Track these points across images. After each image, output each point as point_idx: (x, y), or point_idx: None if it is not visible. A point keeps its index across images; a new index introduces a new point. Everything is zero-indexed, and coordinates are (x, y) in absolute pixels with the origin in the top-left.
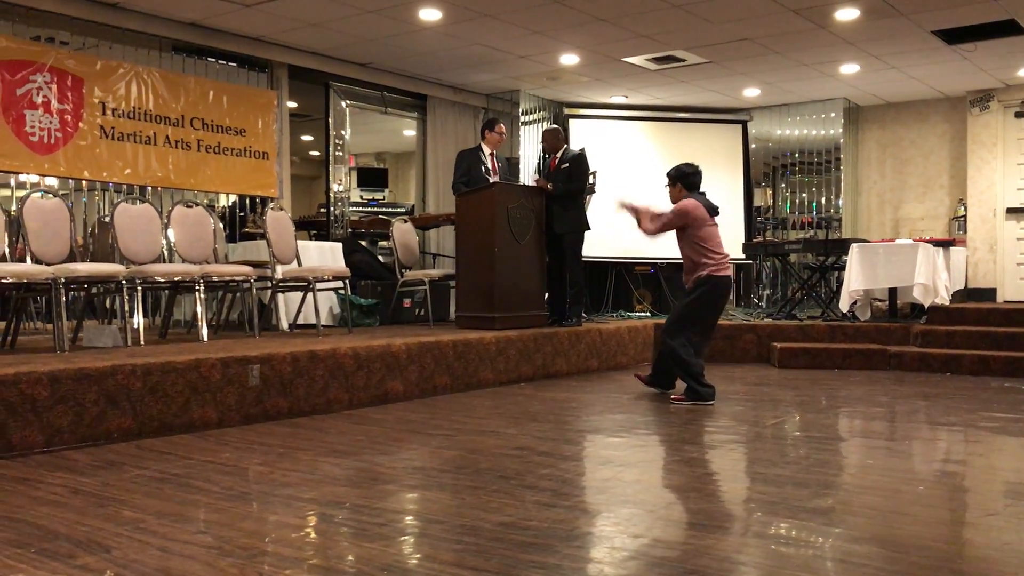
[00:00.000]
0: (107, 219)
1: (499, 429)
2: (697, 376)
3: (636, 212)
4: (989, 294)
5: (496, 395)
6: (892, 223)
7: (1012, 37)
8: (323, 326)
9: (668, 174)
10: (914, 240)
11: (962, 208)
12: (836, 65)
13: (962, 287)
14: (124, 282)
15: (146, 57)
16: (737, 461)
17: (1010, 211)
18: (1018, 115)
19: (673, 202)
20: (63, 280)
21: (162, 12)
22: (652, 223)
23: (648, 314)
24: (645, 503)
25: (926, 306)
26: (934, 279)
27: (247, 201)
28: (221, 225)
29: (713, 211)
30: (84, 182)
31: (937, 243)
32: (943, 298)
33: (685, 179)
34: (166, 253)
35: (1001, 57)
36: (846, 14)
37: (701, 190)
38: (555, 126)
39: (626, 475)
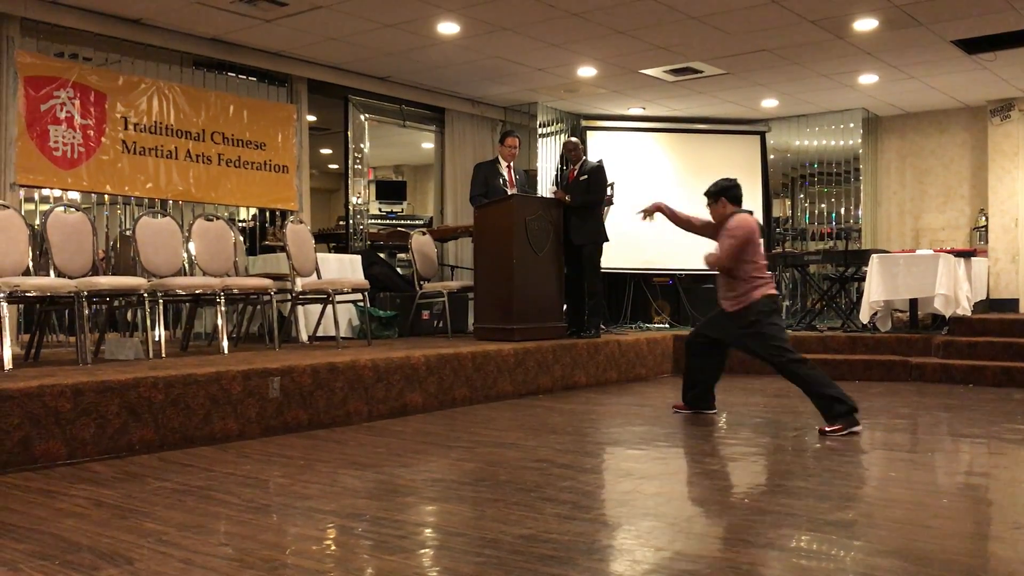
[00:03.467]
0: (129, 233)
1: (519, 441)
2: (834, 394)
3: (662, 209)
4: (1011, 304)
5: (515, 407)
6: (912, 233)
7: None
8: (343, 338)
9: (707, 192)
10: (935, 251)
11: (983, 218)
12: (854, 75)
13: (984, 298)
14: (146, 295)
15: (168, 72)
16: (758, 474)
17: None
18: None
19: (716, 220)
20: (86, 293)
21: (183, 28)
22: (721, 255)
23: (667, 325)
24: (666, 516)
25: (947, 317)
26: (955, 290)
27: (267, 214)
28: (241, 238)
29: (761, 230)
30: (106, 196)
31: (958, 253)
32: (964, 309)
33: (728, 192)
34: (187, 266)
35: (1022, 66)
36: (864, 24)
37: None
38: (574, 138)
39: (647, 487)
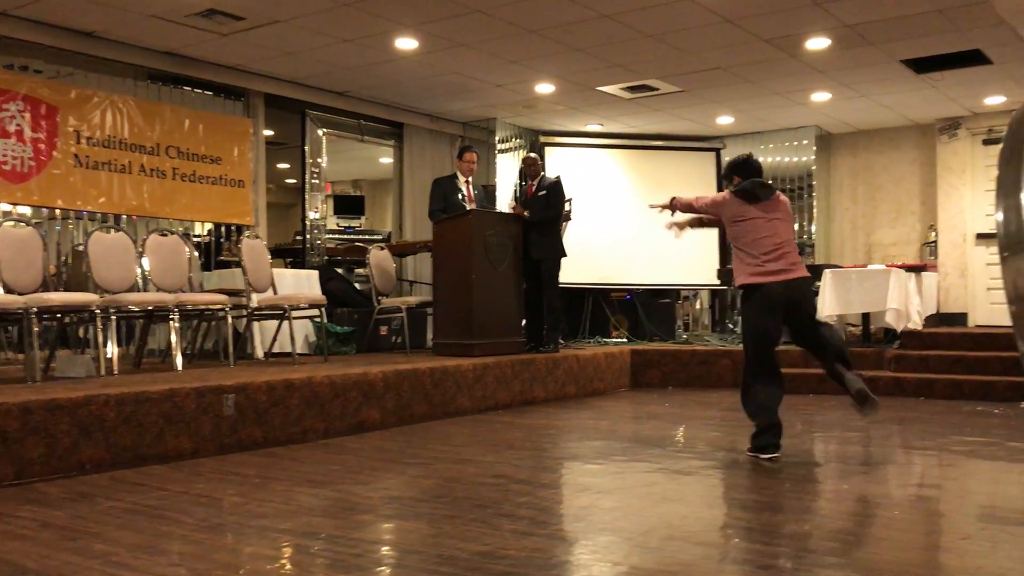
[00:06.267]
0: (81, 248)
1: (476, 457)
2: (755, 415)
3: (680, 207)
4: (960, 319)
5: (474, 423)
6: (864, 249)
7: (978, 67)
8: (299, 354)
9: (723, 174)
10: (886, 266)
11: (933, 234)
12: (807, 93)
13: (934, 312)
14: (98, 311)
15: (122, 85)
16: (714, 487)
17: (979, 237)
18: (986, 142)
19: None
20: (35, 309)
21: (138, 41)
22: (686, 202)
23: (625, 340)
24: (623, 530)
25: (899, 331)
26: (906, 304)
27: (223, 229)
28: (196, 253)
29: (755, 197)
30: (58, 211)
31: (909, 268)
32: (916, 323)
33: (737, 170)
34: (141, 282)
35: (968, 86)
36: (817, 43)
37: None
38: (533, 154)
39: (604, 502)
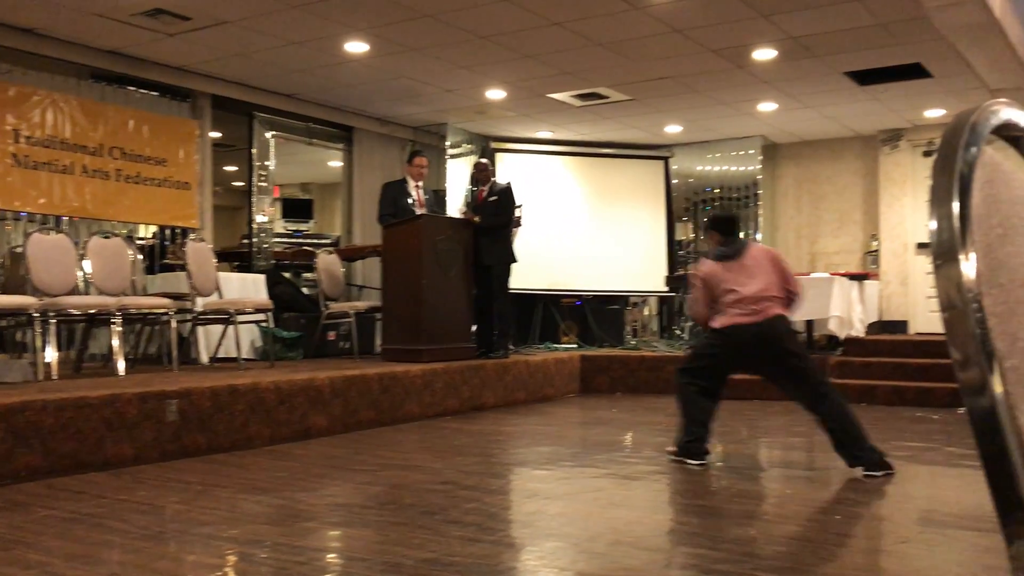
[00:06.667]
0: (19, 250)
1: (424, 464)
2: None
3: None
4: (901, 326)
5: (422, 429)
6: (809, 257)
7: (919, 80)
8: (244, 360)
9: (705, 223)
10: (830, 274)
11: (875, 243)
12: (754, 103)
13: (876, 319)
14: (36, 315)
15: (63, 84)
16: (660, 492)
17: (920, 246)
18: (926, 154)
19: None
20: None
21: (80, 39)
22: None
23: (575, 346)
24: (569, 536)
25: (842, 338)
26: (849, 312)
27: (167, 232)
28: (140, 256)
29: (729, 256)
30: None
31: (852, 277)
32: (858, 330)
33: (716, 225)
34: (82, 285)
35: (909, 99)
36: (763, 54)
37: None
38: (484, 159)
39: (551, 508)
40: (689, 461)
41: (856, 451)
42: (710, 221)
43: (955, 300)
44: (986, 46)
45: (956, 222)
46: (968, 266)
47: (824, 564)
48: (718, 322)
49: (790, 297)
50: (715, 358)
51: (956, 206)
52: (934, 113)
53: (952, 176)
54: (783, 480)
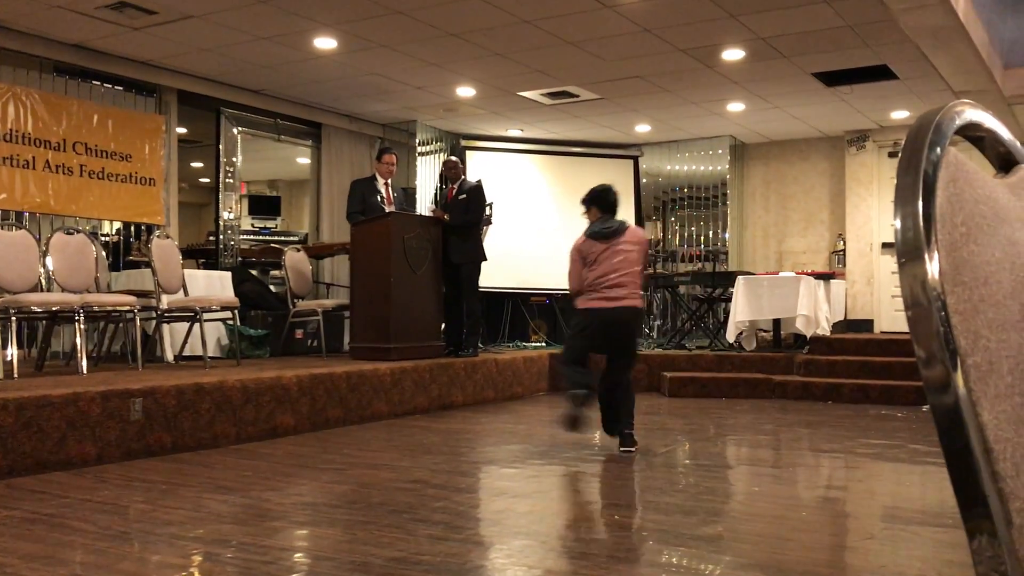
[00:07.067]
0: None
1: (393, 462)
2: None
3: None
4: (867, 325)
5: (391, 427)
6: (776, 256)
7: (885, 81)
8: (210, 358)
9: (582, 200)
10: (797, 273)
11: (841, 243)
12: (723, 103)
13: (842, 318)
14: None
15: (25, 78)
16: (628, 490)
17: (885, 246)
18: (891, 155)
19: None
20: None
21: (43, 32)
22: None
23: (544, 344)
24: (538, 534)
25: (808, 337)
26: (816, 311)
27: (132, 228)
28: (104, 253)
29: (604, 235)
30: None
31: (818, 276)
32: (824, 329)
33: (594, 200)
34: (44, 282)
35: (876, 100)
36: (732, 55)
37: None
38: (454, 157)
39: (520, 506)
40: (623, 449)
41: (625, 428)
42: (589, 195)
43: (919, 298)
44: (950, 49)
45: (921, 221)
46: (932, 265)
47: (790, 561)
48: (581, 303)
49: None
50: (585, 339)
51: (920, 205)
52: (900, 115)
53: (917, 176)
54: (750, 477)
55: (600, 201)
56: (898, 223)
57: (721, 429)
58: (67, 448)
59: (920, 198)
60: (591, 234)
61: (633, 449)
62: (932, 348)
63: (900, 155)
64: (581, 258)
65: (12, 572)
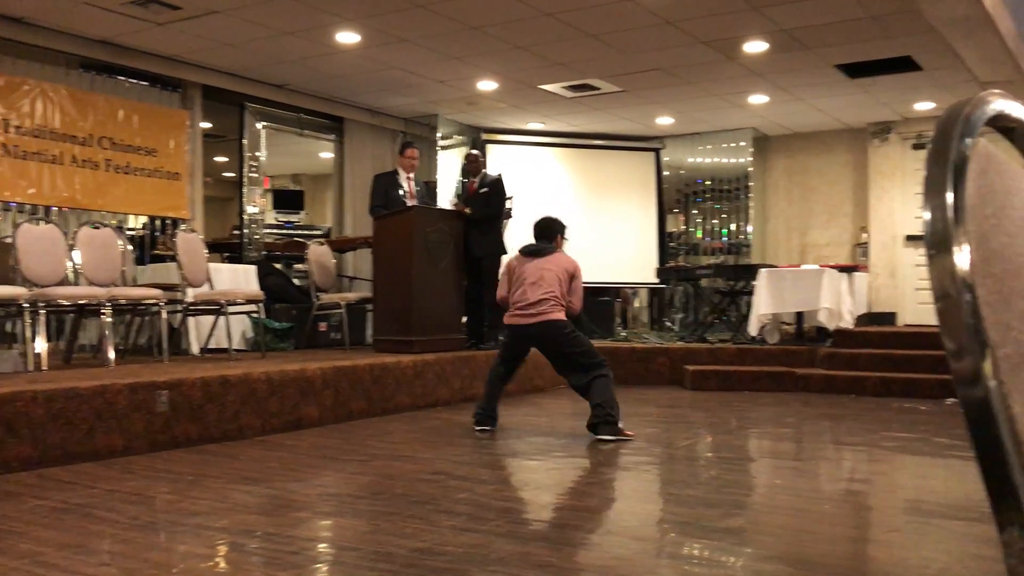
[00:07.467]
0: (9, 240)
1: (415, 454)
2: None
3: None
4: (890, 318)
5: (413, 419)
6: (799, 249)
7: (908, 73)
8: (236, 350)
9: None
10: (819, 266)
11: (864, 235)
12: (745, 96)
13: (865, 311)
14: (26, 305)
15: (53, 74)
16: (650, 482)
17: (909, 238)
18: (915, 147)
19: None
20: None
21: (70, 28)
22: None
23: None
24: (560, 526)
25: (831, 329)
26: (839, 303)
27: (158, 222)
28: (130, 247)
29: (529, 252)
30: None
31: (841, 269)
32: (847, 322)
33: (534, 226)
34: (72, 275)
35: (899, 91)
36: (754, 47)
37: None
38: (475, 151)
39: (542, 498)
40: (476, 428)
41: (592, 419)
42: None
43: (949, 290)
44: (977, 39)
45: (950, 212)
46: (962, 256)
47: (813, 554)
48: (506, 318)
49: (570, 308)
50: (507, 348)
51: (950, 196)
52: (924, 106)
53: (946, 167)
54: (772, 470)
55: (535, 228)
56: (927, 214)
57: (743, 422)
58: (95, 439)
59: (950, 189)
60: (522, 251)
61: (609, 439)
62: (962, 340)
63: (929, 146)
64: (508, 271)
65: (45, 560)
